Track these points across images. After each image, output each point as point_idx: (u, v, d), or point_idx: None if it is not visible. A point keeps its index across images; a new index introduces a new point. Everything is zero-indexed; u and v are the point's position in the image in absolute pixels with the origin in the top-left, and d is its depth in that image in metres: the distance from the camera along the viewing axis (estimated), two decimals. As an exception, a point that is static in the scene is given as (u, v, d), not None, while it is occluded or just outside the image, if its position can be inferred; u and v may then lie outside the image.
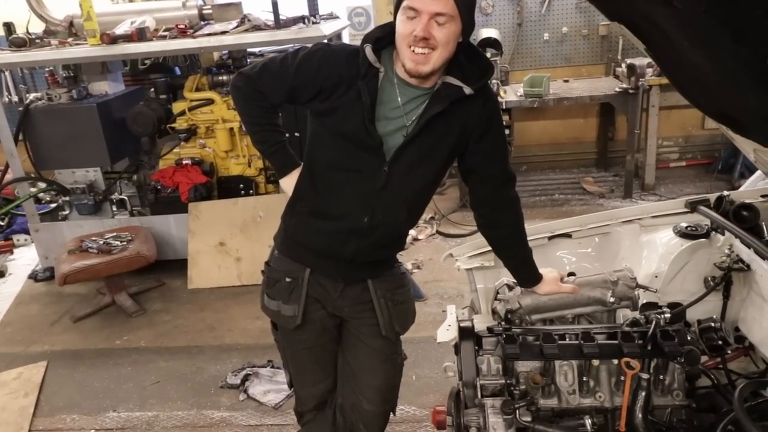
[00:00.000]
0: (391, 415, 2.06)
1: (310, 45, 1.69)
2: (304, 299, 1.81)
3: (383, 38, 1.61)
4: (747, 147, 1.85)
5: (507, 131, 5.14)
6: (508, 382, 1.62)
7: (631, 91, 4.76)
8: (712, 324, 1.67)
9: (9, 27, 4.28)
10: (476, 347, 1.72)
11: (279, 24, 3.87)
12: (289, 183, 1.81)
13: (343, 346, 1.94)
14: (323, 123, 1.66)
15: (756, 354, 1.80)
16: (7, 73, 5.46)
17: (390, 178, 1.65)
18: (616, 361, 1.62)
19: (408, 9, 1.50)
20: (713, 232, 1.92)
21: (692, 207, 2.06)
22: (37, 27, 4.46)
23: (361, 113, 1.58)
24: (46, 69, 4.58)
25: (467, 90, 1.60)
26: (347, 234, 1.72)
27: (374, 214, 1.69)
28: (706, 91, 1.60)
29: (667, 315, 1.65)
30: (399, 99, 1.62)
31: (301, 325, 1.83)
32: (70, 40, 4.20)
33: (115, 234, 4.06)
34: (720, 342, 1.65)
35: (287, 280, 1.81)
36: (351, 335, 1.90)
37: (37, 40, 4.18)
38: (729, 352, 1.71)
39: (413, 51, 1.52)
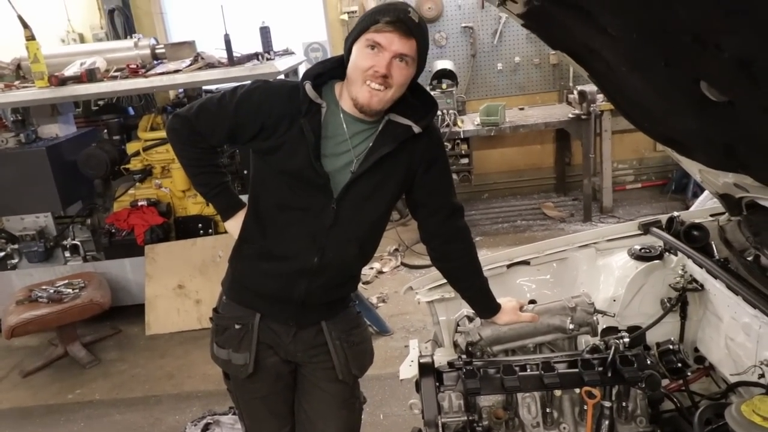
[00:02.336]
0: None
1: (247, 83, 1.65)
2: (255, 346, 1.72)
3: (324, 74, 1.60)
4: (693, 168, 1.88)
5: (466, 160, 5.24)
6: (471, 418, 1.58)
7: (583, 116, 4.88)
8: (671, 346, 1.67)
9: (-48, 72, 4.16)
10: (437, 383, 1.67)
11: (233, 61, 3.86)
12: (233, 225, 1.74)
13: (298, 393, 1.85)
14: (267, 161, 1.62)
15: (717, 374, 1.80)
16: (-48, 119, 5.27)
17: (338, 216, 1.61)
18: (578, 390, 1.59)
19: (371, 42, 1.48)
20: (666, 253, 1.93)
21: (645, 229, 2.08)
22: (-18, 71, 4.34)
23: (305, 150, 1.55)
24: (-7, 113, 4.44)
25: (416, 129, 1.59)
26: (297, 275, 1.66)
27: (324, 252, 1.63)
28: (648, 115, 1.63)
29: (626, 339, 1.64)
30: (346, 132, 1.59)
31: (253, 373, 1.74)
32: (17, 83, 4.09)
33: (67, 281, 3.89)
34: (680, 364, 1.64)
35: (236, 326, 1.73)
36: (306, 381, 1.81)
37: (-18, 85, 4.06)
38: (689, 373, 1.70)
39: (369, 85, 1.50)
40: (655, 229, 2.04)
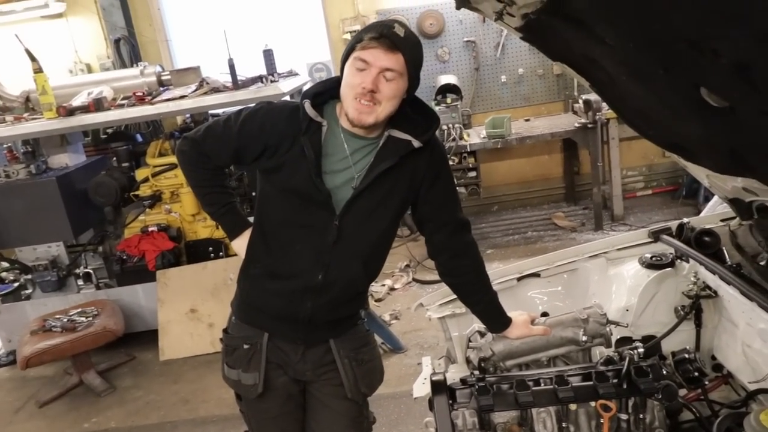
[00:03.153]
0: None
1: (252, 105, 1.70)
2: (264, 366, 1.73)
3: (324, 93, 1.63)
4: (700, 173, 1.87)
5: (474, 173, 5.23)
6: (486, 436, 1.56)
7: (589, 125, 4.87)
8: (687, 355, 1.64)
9: (-37, 107, 4.24)
10: (450, 401, 1.65)
11: (237, 85, 3.90)
12: (240, 245, 1.78)
13: (307, 411, 1.85)
14: (271, 180, 1.65)
15: (735, 381, 1.76)
16: (-36, 153, 5.36)
17: (341, 232, 1.62)
18: (593, 403, 1.56)
19: (358, 60, 1.52)
20: (678, 261, 1.91)
21: (655, 236, 2.05)
22: (-7, 105, 4.41)
23: (306, 168, 1.58)
24: (4, 145, 4.51)
25: (416, 143, 1.61)
26: (302, 293, 1.67)
27: (328, 270, 1.64)
28: (651, 122, 1.62)
29: (641, 350, 1.62)
30: (346, 149, 1.61)
31: (263, 393, 1.75)
32: (26, 115, 4.16)
33: (80, 310, 3.91)
34: (697, 373, 1.61)
35: (245, 346, 1.74)
36: (313, 399, 1.81)
37: (-7, 118, 4.13)
38: (707, 382, 1.67)
39: (359, 102, 1.53)
40: (665, 237, 2.02)
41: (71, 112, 3.84)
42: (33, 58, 3.80)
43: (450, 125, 5.00)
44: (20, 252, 4.32)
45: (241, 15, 5.53)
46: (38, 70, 3.79)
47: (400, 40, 1.51)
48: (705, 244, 1.84)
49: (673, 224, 2.08)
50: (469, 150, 5.06)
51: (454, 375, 1.80)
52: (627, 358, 1.55)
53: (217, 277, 4.14)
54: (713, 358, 1.82)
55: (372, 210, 1.63)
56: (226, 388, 1.86)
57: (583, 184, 5.73)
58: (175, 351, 4.07)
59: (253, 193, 4.22)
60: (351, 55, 1.54)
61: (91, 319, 3.77)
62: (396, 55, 1.51)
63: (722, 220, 2.01)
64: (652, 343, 1.68)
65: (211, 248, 4.29)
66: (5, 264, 4.44)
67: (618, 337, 1.82)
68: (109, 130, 5.01)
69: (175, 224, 4.32)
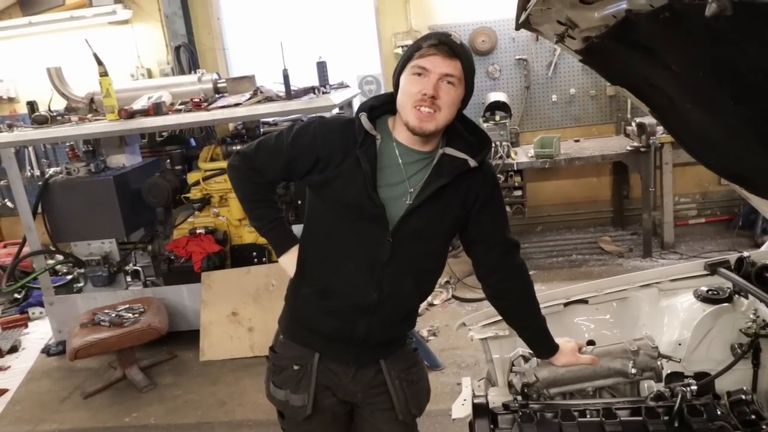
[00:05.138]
0: None
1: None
2: (314, 388, 1.71)
3: (378, 107, 1.64)
4: (764, 206, 1.80)
5: (520, 192, 5.17)
6: (526, 464, 1.52)
7: (642, 149, 4.74)
8: (743, 396, 1.56)
9: (32, 105, 4.46)
10: (492, 425, 1.62)
11: (290, 95, 3.97)
12: (288, 261, 1.74)
13: None
14: (322, 195, 1.64)
15: (795, 427, 1.67)
16: (30, 149, 5.64)
17: (395, 248, 1.60)
18: (641, 440, 1.51)
19: (417, 68, 1.52)
20: (736, 296, 1.83)
21: (712, 269, 1.98)
22: (60, 104, 4.63)
23: (362, 180, 1.56)
24: (67, 144, 4.72)
25: (472, 163, 1.59)
26: (357, 312, 1.64)
27: (382, 287, 1.62)
28: (714, 151, 1.57)
29: (694, 387, 1.55)
30: (400, 162, 1.61)
31: (310, 415, 1.72)
32: (89, 116, 4.34)
33: (127, 306, 4.03)
34: (753, 416, 1.53)
35: (295, 367, 1.71)
36: (366, 423, 1.78)
37: (59, 117, 4.33)
38: (764, 426, 1.58)
39: (419, 110, 1.52)
40: (723, 270, 1.94)
41: (132, 115, 3.98)
42: (100, 62, 3.96)
43: (498, 143, 4.96)
44: (75, 246, 4.49)
45: (296, 26, 5.65)
46: (104, 74, 3.95)
47: (458, 47, 1.53)
48: (766, 280, 1.76)
49: (731, 257, 2.00)
50: (516, 168, 5.01)
51: (494, 398, 1.77)
52: (679, 395, 1.50)
53: (260, 282, 4.20)
54: (771, 400, 1.73)
55: (425, 226, 1.61)
56: (263, 392, 1.87)
57: (633, 208, 5.58)
58: (215, 352, 4.14)
59: (299, 202, 4.32)
60: (408, 65, 1.55)
61: (137, 315, 3.88)
62: (455, 62, 1.51)
63: (786, 257, 1.93)
64: (706, 381, 1.62)
65: (254, 253, 4.36)
66: (60, 257, 4.62)
67: (668, 371, 1.75)
68: (165, 134, 5.18)
69: (222, 228, 4.42)
